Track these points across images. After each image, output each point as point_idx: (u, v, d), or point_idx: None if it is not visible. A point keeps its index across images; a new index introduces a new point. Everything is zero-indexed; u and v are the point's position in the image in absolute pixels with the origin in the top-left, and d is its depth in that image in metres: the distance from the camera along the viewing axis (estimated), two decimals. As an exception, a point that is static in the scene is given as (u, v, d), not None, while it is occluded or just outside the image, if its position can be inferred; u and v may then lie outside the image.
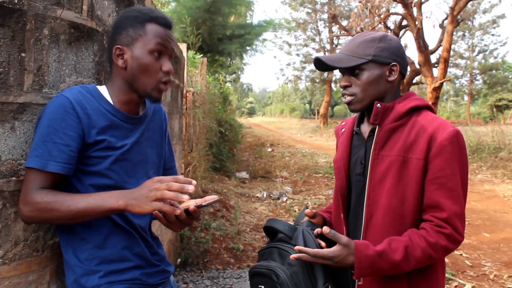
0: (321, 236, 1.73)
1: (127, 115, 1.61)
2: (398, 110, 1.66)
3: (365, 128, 1.78)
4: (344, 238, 1.58)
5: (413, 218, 1.61)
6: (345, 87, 1.72)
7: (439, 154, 1.56)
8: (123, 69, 1.57)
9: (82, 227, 1.55)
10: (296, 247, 1.62)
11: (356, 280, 1.69)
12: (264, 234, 6.24)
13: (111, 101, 1.59)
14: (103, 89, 1.60)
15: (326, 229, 1.58)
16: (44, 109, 1.48)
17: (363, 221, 1.69)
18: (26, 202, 1.43)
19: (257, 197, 9.22)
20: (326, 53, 34.74)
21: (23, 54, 1.48)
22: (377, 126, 1.69)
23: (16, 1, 1.44)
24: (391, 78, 1.69)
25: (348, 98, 1.71)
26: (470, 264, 5.48)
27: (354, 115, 1.90)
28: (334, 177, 7.79)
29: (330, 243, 1.80)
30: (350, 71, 1.70)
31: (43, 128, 1.45)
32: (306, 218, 1.86)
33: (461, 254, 5.82)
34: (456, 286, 4.77)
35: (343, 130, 1.91)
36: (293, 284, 1.63)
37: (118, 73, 1.59)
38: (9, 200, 1.47)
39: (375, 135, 1.68)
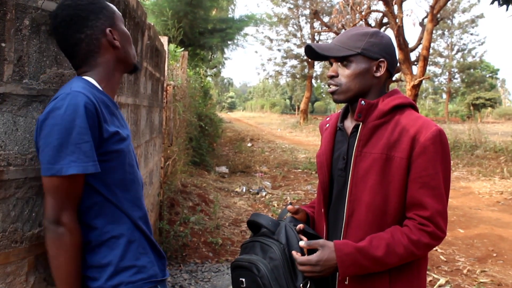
0: (303, 232, 1.76)
1: (115, 102, 1.63)
2: (382, 108, 1.69)
3: (349, 124, 1.80)
4: (319, 241, 1.64)
5: (395, 215, 1.64)
6: (331, 77, 1.75)
7: (422, 154, 1.59)
8: (117, 49, 1.61)
9: (111, 225, 1.55)
10: (293, 252, 1.67)
11: (337, 275, 1.70)
12: (243, 229, 6.31)
13: (103, 91, 1.59)
14: (92, 80, 1.57)
15: (302, 243, 1.65)
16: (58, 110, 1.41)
17: (344, 217, 1.70)
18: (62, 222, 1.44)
19: (237, 191, 9.23)
20: (307, 49, 34.78)
21: (3, 44, 1.46)
22: (361, 123, 1.71)
23: (-4, -9, 1.43)
24: (378, 74, 1.72)
25: (333, 88, 1.74)
26: (445, 259, 5.58)
27: (338, 111, 1.93)
28: (313, 172, 7.87)
29: (312, 238, 1.83)
30: (339, 61, 1.73)
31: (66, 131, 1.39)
32: (289, 214, 1.88)
33: (436, 250, 5.91)
34: (430, 280, 4.86)
35: (327, 125, 1.93)
36: (273, 277, 1.65)
37: (108, 57, 1.60)
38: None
39: (359, 132, 1.70)
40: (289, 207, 1.89)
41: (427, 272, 4.92)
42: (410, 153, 1.60)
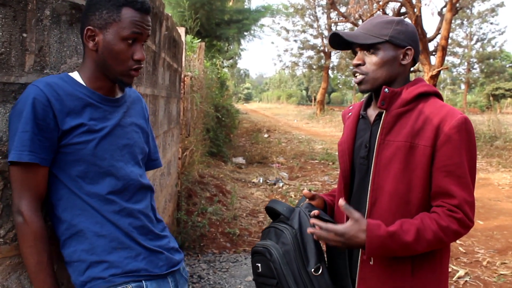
0: (319, 217, 1.75)
1: (104, 96, 1.58)
2: (405, 96, 1.66)
3: (372, 112, 1.78)
4: (356, 213, 1.58)
5: (419, 204, 1.62)
6: (357, 66, 1.72)
7: (447, 142, 1.56)
8: (93, 51, 1.53)
9: (78, 218, 1.53)
10: (311, 220, 1.65)
11: (359, 255, 1.70)
12: (260, 220, 6.33)
13: (84, 84, 1.55)
14: (75, 75, 1.56)
15: (341, 201, 1.60)
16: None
17: (367, 206, 1.69)
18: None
19: (253, 182, 9.25)
20: (324, 40, 34.60)
21: (24, 35, 1.48)
22: (384, 111, 1.69)
23: (17, -19, 1.44)
24: (405, 62, 1.70)
25: (359, 77, 1.71)
26: (464, 251, 5.53)
27: (361, 100, 1.91)
28: (330, 163, 7.83)
29: None
30: (366, 49, 1.70)
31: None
32: (306, 201, 1.88)
33: (455, 241, 5.87)
34: (449, 272, 4.82)
35: (350, 114, 1.91)
36: (285, 262, 1.67)
37: (89, 54, 1.55)
38: (10, 180, 1.47)
39: (382, 119, 1.68)
40: (305, 191, 1.88)
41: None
42: (434, 141, 1.58)
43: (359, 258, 1.70)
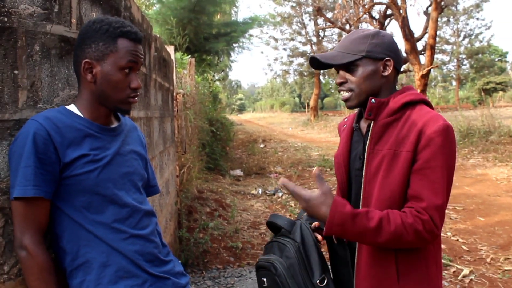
0: (319, 229, 1.78)
1: (102, 126, 1.61)
2: (392, 106, 1.69)
3: (364, 124, 1.81)
4: (326, 187, 1.61)
5: (400, 209, 1.62)
6: (341, 84, 1.75)
7: (426, 146, 1.57)
8: (91, 83, 1.56)
9: (83, 249, 1.54)
10: (281, 179, 1.67)
11: (355, 270, 1.72)
12: (262, 231, 6.32)
13: (82, 116, 1.58)
14: (71, 107, 1.58)
15: (316, 170, 1.64)
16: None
17: None
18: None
19: (253, 194, 9.24)
20: (313, 46, 34.74)
21: (16, 72, 1.49)
22: (372, 121, 1.72)
23: (6, 19, 1.45)
24: (386, 73, 1.71)
25: (345, 95, 1.74)
26: (467, 249, 5.54)
27: (354, 111, 1.93)
28: (328, 170, 7.83)
29: (328, 238, 1.85)
30: (345, 68, 1.73)
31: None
32: (306, 213, 1.90)
33: (457, 240, 5.88)
34: (454, 271, 4.83)
35: (345, 126, 1.94)
36: (290, 275, 1.69)
37: (86, 86, 1.58)
38: (11, 216, 1.48)
39: (370, 130, 1.71)
40: None
41: (450, 263, 4.90)
42: (415, 146, 1.59)
43: (355, 264, 1.73)
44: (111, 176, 1.58)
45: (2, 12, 1.44)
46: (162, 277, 1.65)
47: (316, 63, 1.78)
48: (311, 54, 35.21)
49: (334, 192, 1.77)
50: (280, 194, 9.01)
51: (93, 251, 1.54)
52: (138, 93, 1.64)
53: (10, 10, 1.47)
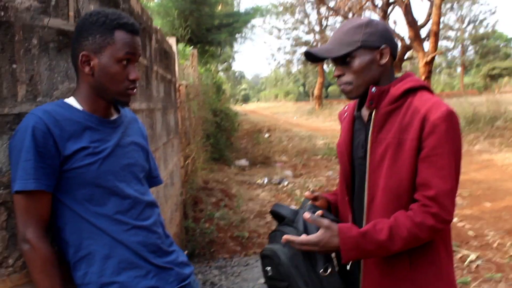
0: (323, 217, 1.76)
1: (101, 118, 1.61)
2: (393, 93, 1.66)
3: (365, 112, 1.78)
4: (325, 221, 1.61)
5: (409, 197, 1.62)
6: (339, 77, 1.73)
7: (431, 133, 1.56)
8: (89, 76, 1.56)
9: (86, 241, 1.55)
10: (284, 237, 1.66)
11: (362, 261, 1.72)
12: (268, 221, 6.33)
13: (81, 108, 1.58)
14: (70, 100, 1.59)
15: (306, 214, 1.63)
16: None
17: (365, 203, 1.71)
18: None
19: (258, 183, 9.25)
20: (316, 35, 34.60)
21: (14, 66, 1.49)
22: (374, 110, 1.70)
23: (2, 14, 1.45)
24: (383, 61, 1.69)
25: (344, 87, 1.72)
26: (474, 235, 5.54)
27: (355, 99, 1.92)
28: (333, 158, 7.83)
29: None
30: (342, 60, 1.70)
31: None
32: (309, 202, 1.89)
33: (464, 226, 5.88)
34: (461, 257, 4.83)
35: (346, 114, 1.92)
36: (293, 265, 1.69)
37: (84, 79, 1.58)
38: (14, 210, 1.48)
39: (372, 118, 1.69)
40: (307, 193, 1.91)
41: (457, 249, 4.90)
42: (420, 133, 1.58)
43: (362, 263, 1.73)
44: (112, 168, 1.59)
45: (-2, 7, 1.44)
46: (165, 267, 1.65)
47: (312, 57, 1.76)
48: (314, 43, 35.12)
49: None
50: (285, 183, 9.03)
51: (96, 243, 1.54)
52: (137, 85, 1.63)
53: (6, 5, 1.46)
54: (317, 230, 1.70)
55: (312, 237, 1.61)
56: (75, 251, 1.54)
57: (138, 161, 1.72)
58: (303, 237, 1.63)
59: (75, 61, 1.57)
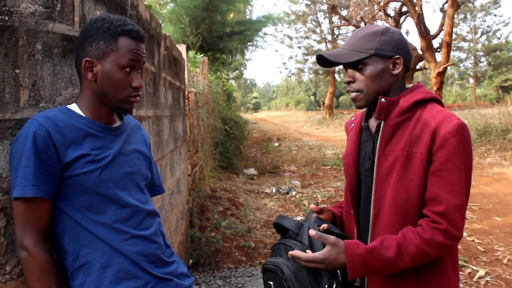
0: (327, 232, 1.72)
1: (103, 125, 1.60)
2: (402, 105, 1.63)
3: (373, 123, 1.75)
4: (331, 238, 1.58)
5: (417, 212, 1.58)
6: (348, 83, 1.70)
7: (442, 147, 1.53)
8: (92, 82, 1.55)
9: (84, 249, 1.52)
10: (290, 253, 1.63)
11: (366, 277, 1.68)
12: (275, 231, 6.26)
13: (83, 115, 1.56)
14: (73, 106, 1.57)
15: (312, 232, 1.60)
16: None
17: (371, 217, 1.67)
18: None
19: (266, 193, 9.22)
20: (328, 44, 34.60)
21: (17, 71, 1.48)
22: (382, 121, 1.67)
23: (7, 18, 1.44)
24: (395, 72, 1.66)
25: (353, 95, 1.69)
26: (483, 250, 5.45)
27: (362, 110, 1.88)
28: (342, 169, 7.76)
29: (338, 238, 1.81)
30: (353, 66, 1.68)
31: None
32: (314, 215, 1.86)
33: (473, 240, 5.79)
34: (469, 272, 4.75)
35: (352, 125, 1.88)
36: (297, 280, 1.64)
37: (87, 85, 1.57)
38: (13, 216, 1.47)
39: (381, 130, 1.66)
40: (312, 206, 1.87)
41: (466, 264, 4.82)
42: (430, 147, 1.54)
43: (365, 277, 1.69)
44: (113, 176, 1.57)
45: (3, 11, 1.43)
46: (164, 278, 1.62)
47: (323, 61, 1.74)
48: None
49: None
50: (293, 193, 8.98)
51: (94, 251, 1.52)
52: (140, 92, 1.61)
53: (11, 9, 1.46)
54: (323, 245, 1.66)
55: (318, 254, 1.58)
56: (73, 259, 1.52)
57: (140, 170, 1.70)
58: (309, 254, 1.59)
59: (78, 67, 1.56)
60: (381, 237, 1.57)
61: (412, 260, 1.52)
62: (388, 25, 1.74)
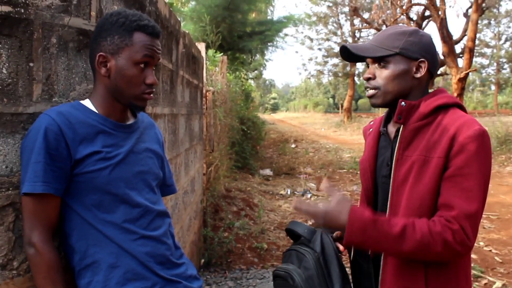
0: (340, 239, 1.68)
1: (116, 123, 1.56)
2: (423, 109, 1.58)
3: (392, 128, 1.71)
4: (340, 194, 1.53)
5: (430, 218, 1.52)
6: (368, 79, 1.65)
7: (459, 152, 1.46)
8: (106, 77, 1.51)
9: (92, 248, 1.50)
10: (293, 206, 1.59)
11: (379, 282, 1.62)
12: (288, 235, 6.23)
13: (96, 111, 1.54)
14: (86, 102, 1.54)
15: (323, 184, 1.58)
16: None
17: None
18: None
19: (281, 194, 9.18)
20: (349, 47, 34.39)
21: (31, 64, 1.46)
22: (402, 126, 1.62)
23: (22, 11, 1.42)
24: (418, 75, 1.61)
25: (371, 92, 1.64)
26: (500, 261, 5.33)
27: (382, 114, 1.83)
28: (358, 172, 7.71)
29: (350, 249, 1.76)
30: (376, 63, 1.63)
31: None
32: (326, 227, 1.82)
33: (490, 250, 5.68)
34: (485, 283, 4.65)
35: (371, 130, 1.84)
36: (308, 287, 1.60)
37: (100, 80, 1.54)
38: (22, 211, 1.45)
39: (400, 134, 1.61)
40: None
41: (482, 275, 4.73)
42: (447, 152, 1.48)
43: (379, 277, 1.63)
44: (124, 175, 1.54)
45: (18, 3, 1.42)
46: (173, 280, 1.59)
47: (347, 54, 1.69)
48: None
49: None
50: (308, 196, 8.92)
51: (102, 251, 1.49)
52: (154, 89, 1.58)
53: (27, 2, 1.44)
54: (335, 252, 1.61)
55: (321, 205, 1.53)
56: (80, 258, 1.50)
57: (152, 169, 1.67)
58: (311, 207, 1.56)
59: (92, 62, 1.53)
60: (390, 217, 1.52)
61: (414, 246, 1.44)
62: (417, 28, 1.69)
